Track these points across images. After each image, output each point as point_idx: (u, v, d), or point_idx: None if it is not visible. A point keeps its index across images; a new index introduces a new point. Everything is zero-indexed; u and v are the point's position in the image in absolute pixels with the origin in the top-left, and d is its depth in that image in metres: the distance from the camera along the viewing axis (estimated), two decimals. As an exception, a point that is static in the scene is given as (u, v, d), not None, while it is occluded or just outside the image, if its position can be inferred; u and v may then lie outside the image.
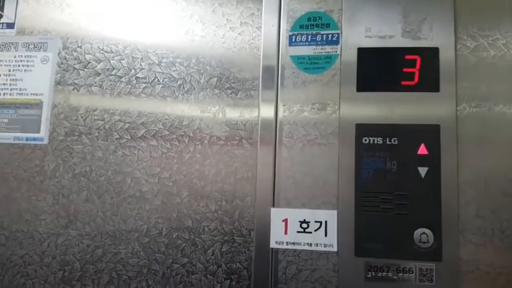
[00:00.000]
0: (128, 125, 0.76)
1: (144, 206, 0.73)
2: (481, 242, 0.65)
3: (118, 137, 0.76)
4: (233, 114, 0.73)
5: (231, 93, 0.74)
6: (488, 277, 0.64)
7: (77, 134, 0.77)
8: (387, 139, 0.68)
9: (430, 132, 0.67)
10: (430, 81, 0.69)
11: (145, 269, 0.72)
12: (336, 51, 0.72)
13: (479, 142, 0.67)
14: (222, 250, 0.70)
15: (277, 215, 0.69)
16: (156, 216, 0.73)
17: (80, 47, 0.79)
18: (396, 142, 0.68)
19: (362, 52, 0.71)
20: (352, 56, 0.71)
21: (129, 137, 0.75)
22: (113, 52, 0.78)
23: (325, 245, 0.68)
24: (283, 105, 0.72)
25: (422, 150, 0.67)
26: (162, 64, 0.77)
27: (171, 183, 0.73)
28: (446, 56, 0.69)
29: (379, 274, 0.66)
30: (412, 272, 0.65)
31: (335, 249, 0.67)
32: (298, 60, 0.73)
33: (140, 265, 0.72)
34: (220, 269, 0.70)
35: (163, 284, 0.71)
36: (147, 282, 0.71)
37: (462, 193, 0.66)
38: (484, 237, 0.65)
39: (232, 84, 0.74)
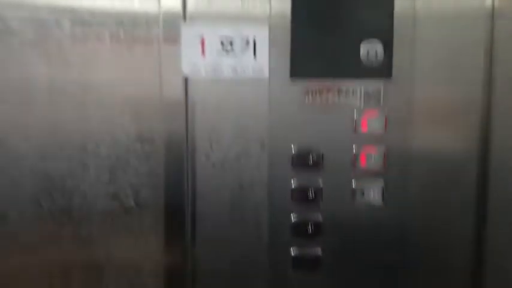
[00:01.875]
0: None
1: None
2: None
3: None
4: None
5: None
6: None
7: None
8: None
9: None
10: None
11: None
12: None
13: None
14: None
15: (190, 33, 0.53)
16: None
17: None
18: None
19: None
20: None
21: None
22: None
23: (254, 70, 0.54)
24: None
25: None
26: None
27: None
28: None
29: (318, 99, 0.54)
30: (356, 94, 0.54)
31: (266, 75, 0.54)
32: None
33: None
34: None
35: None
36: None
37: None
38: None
39: None
